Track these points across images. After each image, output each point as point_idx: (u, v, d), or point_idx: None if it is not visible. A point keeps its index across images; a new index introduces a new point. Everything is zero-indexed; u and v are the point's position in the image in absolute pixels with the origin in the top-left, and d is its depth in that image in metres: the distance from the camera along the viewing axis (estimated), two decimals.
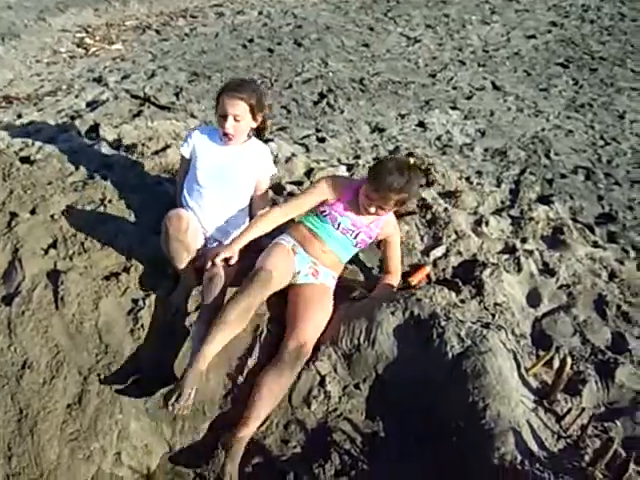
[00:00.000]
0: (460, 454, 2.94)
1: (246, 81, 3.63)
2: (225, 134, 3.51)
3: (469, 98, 6.76)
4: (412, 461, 3.07)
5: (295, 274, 3.47)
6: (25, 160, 4.47)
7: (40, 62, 6.94)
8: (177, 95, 5.95)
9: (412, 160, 3.44)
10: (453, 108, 6.43)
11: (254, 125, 3.61)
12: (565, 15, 10.62)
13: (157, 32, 8.11)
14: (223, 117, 3.44)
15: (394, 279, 3.67)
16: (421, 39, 8.59)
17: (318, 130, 5.54)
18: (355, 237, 3.48)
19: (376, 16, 9.55)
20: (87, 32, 7.87)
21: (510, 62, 8.05)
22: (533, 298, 3.81)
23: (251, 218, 3.72)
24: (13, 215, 3.84)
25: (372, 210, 3.37)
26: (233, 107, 3.42)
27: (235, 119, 3.46)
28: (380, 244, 3.74)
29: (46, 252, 3.64)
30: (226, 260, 3.32)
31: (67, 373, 3.29)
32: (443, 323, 3.18)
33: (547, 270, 3.96)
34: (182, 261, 3.43)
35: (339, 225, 3.45)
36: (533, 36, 9.24)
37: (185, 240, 3.36)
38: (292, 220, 3.60)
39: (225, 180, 3.57)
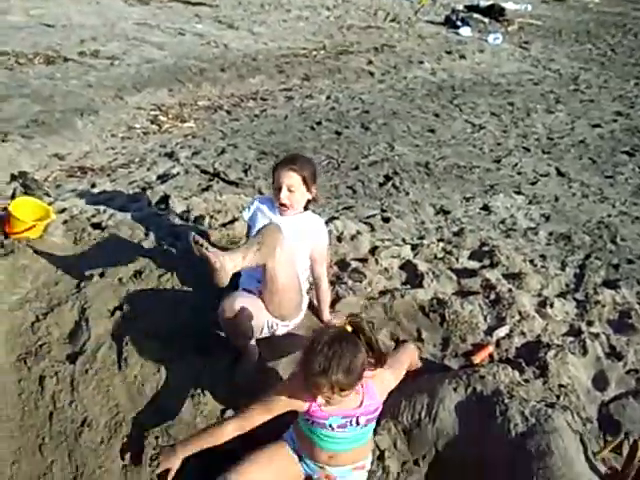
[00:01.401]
0: None
1: (299, 155, 3.85)
2: (281, 204, 3.61)
3: (533, 184, 6.80)
4: None
5: (303, 474, 3.05)
6: (97, 226, 4.68)
7: (115, 137, 7.30)
8: (245, 172, 6.16)
9: (349, 327, 2.74)
10: (517, 193, 6.47)
11: (309, 196, 3.71)
12: (630, 105, 10.66)
13: (228, 112, 8.45)
14: (278, 189, 3.58)
15: None
16: (486, 126, 8.72)
17: (383, 210, 5.64)
18: (357, 424, 2.85)
19: (442, 103, 9.75)
20: (161, 110, 8.25)
21: (575, 150, 8.09)
22: (599, 382, 3.74)
23: (313, 288, 3.88)
24: (83, 277, 3.99)
25: (322, 402, 2.76)
26: (287, 178, 3.55)
27: (289, 189, 3.57)
28: None
29: (112, 314, 3.76)
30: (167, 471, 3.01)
31: (125, 434, 3.35)
32: (506, 401, 3.15)
33: (614, 354, 3.90)
34: (240, 341, 3.50)
35: (331, 426, 2.83)
36: (598, 125, 9.28)
37: (241, 325, 3.41)
38: None
39: None
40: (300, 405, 2.82)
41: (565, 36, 17.28)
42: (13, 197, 5.35)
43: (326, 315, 3.87)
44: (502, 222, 5.75)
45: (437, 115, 9.12)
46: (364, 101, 9.50)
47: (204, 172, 5.97)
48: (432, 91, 10.56)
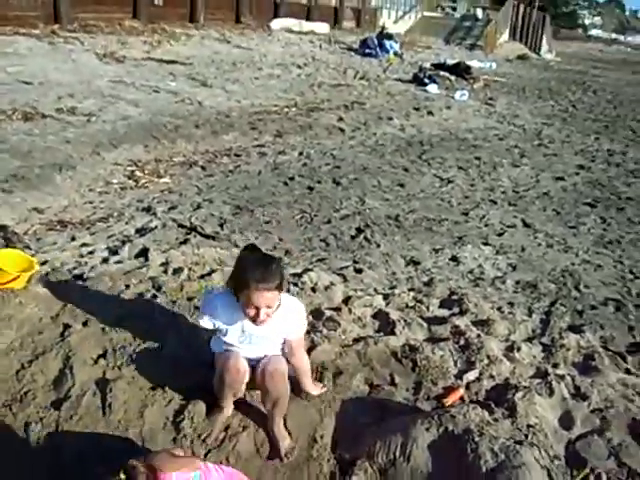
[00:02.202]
0: None
1: (272, 265, 3.30)
2: (259, 322, 3.33)
3: (500, 235, 7.03)
4: None
5: None
6: (78, 277, 4.80)
7: (93, 191, 7.44)
8: (221, 226, 6.32)
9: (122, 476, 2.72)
10: (485, 244, 6.70)
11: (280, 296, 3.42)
12: (592, 159, 11.08)
13: (203, 168, 8.66)
14: (255, 309, 3.26)
15: None
16: (454, 180, 9.01)
17: (355, 262, 5.81)
18: None
19: (411, 158, 10.06)
20: (137, 166, 8.43)
21: (540, 202, 8.39)
22: (566, 421, 3.86)
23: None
24: (66, 326, 4.11)
25: None
26: (265, 300, 3.24)
27: (268, 307, 3.28)
28: None
29: (96, 361, 3.88)
30: None
31: None
32: (477, 438, 3.30)
33: (579, 394, 4.04)
34: (226, 400, 3.60)
35: None
36: (561, 178, 9.64)
37: (239, 389, 3.54)
38: None
39: (256, 345, 3.54)
40: None
41: (528, 93, 17.91)
42: None
43: (310, 386, 3.77)
44: (470, 272, 5.94)
45: (406, 170, 9.41)
46: (335, 157, 9.77)
47: (181, 226, 6.13)
48: (401, 146, 10.89)
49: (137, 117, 10.60)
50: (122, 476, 2.67)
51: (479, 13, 42.38)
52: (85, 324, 4.13)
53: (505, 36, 39.48)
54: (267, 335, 3.49)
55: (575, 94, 18.75)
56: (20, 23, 16.31)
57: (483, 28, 36.94)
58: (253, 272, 3.22)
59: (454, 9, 49.39)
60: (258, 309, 3.25)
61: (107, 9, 19.37)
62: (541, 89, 18.76)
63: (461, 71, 18.96)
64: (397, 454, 3.41)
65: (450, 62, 20.15)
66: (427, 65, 19.66)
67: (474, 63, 21.66)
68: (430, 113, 13.72)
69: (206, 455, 3.51)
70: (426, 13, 43.72)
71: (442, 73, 18.53)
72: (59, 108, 10.59)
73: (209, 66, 16.14)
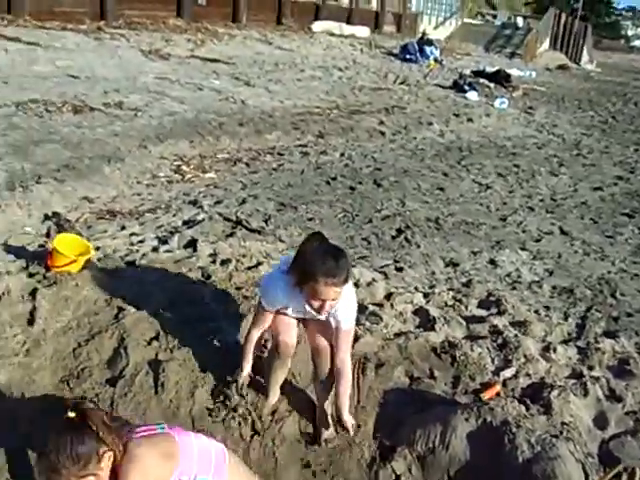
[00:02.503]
0: None
1: (341, 258, 3.22)
2: (324, 312, 3.36)
3: (538, 241, 7.13)
4: None
5: None
6: (130, 264, 5.02)
7: (141, 183, 7.67)
8: (266, 221, 6.50)
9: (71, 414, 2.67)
10: (522, 249, 6.80)
11: None
12: (630, 171, 11.10)
13: (247, 165, 8.86)
14: (322, 301, 3.25)
15: None
16: (492, 186, 9.12)
17: (396, 261, 5.95)
18: None
19: (450, 163, 10.18)
20: (183, 161, 8.65)
21: (577, 210, 8.46)
22: (600, 421, 3.97)
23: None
24: (120, 309, 4.32)
25: None
26: (334, 294, 3.22)
27: (334, 300, 3.27)
28: None
29: (149, 343, 4.07)
30: None
31: None
32: (514, 430, 3.44)
33: (614, 396, 4.14)
34: (273, 384, 3.82)
35: None
36: (599, 188, 9.68)
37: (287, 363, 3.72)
38: None
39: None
40: None
41: (568, 103, 17.89)
42: (48, 235, 5.71)
43: (345, 414, 3.58)
44: (508, 275, 6.05)
45: (446, 174, 9.53)
46: (376, 159, 9.93)
47: (227, 220, 6.31)
48: (441, 151, 11.01)
49: (182, 113, 10.83)
50: (70, 414, 2.63)
51: (520, 21, 42.28)
52: (138, 308, 4.33)
53: (545, 45, 39.28)
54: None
55: (615, 105, 18.71)
56: (68, 19, 16.68)
57: (523, 37, 36.81)
58: (322, 266, 3.14)
59: (494, 17, 49.19)
60: (324, 301, 3.23)
61: (152, 7, 19.68)
62: (581, 99, 18.75)
63: (501, 79, 19.01)
64: (436, 442, 3.56)
65: (490, 70, 20.21)
66: (467, 72, 19.74)
67: (514, 71, 21.68)
68: (469, 120, 13.82)
69: (252, 437, 3.71)
70: (466, 20, 43.70)
71: (482, 80, 18.60)
72: (106, 102, 10.84)
73: (252, 66, 16.37)
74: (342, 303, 3.39)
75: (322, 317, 3.47)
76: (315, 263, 3.15)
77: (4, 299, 4.22)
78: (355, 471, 3.64)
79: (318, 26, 26.10)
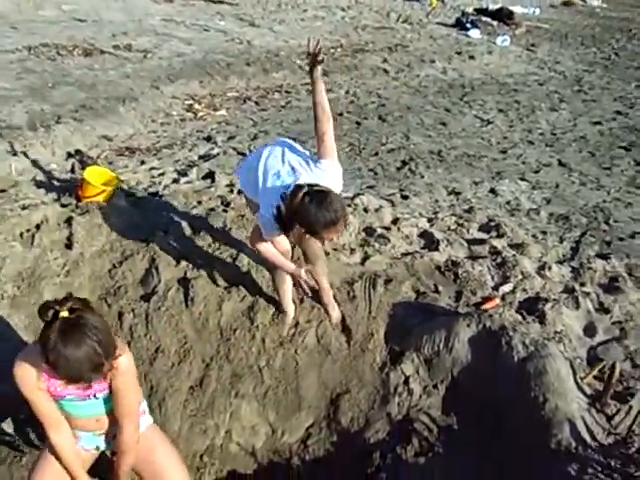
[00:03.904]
0: (522, 441, 3.54)
1: (336, 204, 3.26)
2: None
3: (537, 172, 7.44)
4: (482, 449, 3.66)
5: (93, 450, 3.17)
6: (154, 195, 5.37)
7: (155, 122, 7.98)
8: None
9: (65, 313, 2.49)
10: (522, 179, 7.12)
11: None
12: (630, 106, 11.31)
13: (256, 103, 9.14)
14: (321, 239, 3.49)
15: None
16: (493, 121, 9.39)
17: (402, 190, 6.29)
18: (96, 397, 2.87)
19: (452, 100, 10.43)
20: (194, 100, 8.93)
21: (576, 144, 8.74)
22: (589, 330, 4.34)
23: None
24: (149, 234, 4.69)
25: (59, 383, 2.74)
26: (337, 232, 3.36)
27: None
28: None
29: (178, 263, 4.45)
30: None
31: (192, 360, 4.05)
32: (510, 333, 3.83)
33: (602, 308, 4.50)
34: (287, 299, 4.18)
35: (72, 400, 2.86)
36: (599, 122, 9.93)
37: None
38: None
39: None
40: (37, 384, 2.74)
41: (571, 39, 17.91)
42: (73, 171, 6.06)
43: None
44: (507, 203, 6.39)
45: (448, 110, 9.80)
46: (380, 96, 10.18)
47: (240, 154, 6.64)
48: (443, 88, 11.23)
49: (191, 54, 11.05)
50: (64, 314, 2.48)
51: None
52: (166, 232, 4.70)
53: None
54: None
55: (619, 42, 18.67)
56: None
57: None
58: (322, 222, 3.22)
59: None
60: (323, 240, 3.49)
61: None
62: (584, 36, 18.71)
63: (503, 16, 18.94)
64: (441, 346, 3.95)
65: (493, 7, 20.13)
66: (469, 10, 19.66)
67: (517, 9, 21.56)
68: (472, 57, 13.94)
69: (276, 347, 4.11)
70: None
71: (484, 18, 18.55)
72: (115, 45, 11.07)
73: (255, 7, 16.43)
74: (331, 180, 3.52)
75: None
76: (314, 222, 3.23)
77: (43, 227, 4.59)
78: (368, 374, 4.06)
79: None
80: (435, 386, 3.93)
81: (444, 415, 3.85)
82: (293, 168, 3.55)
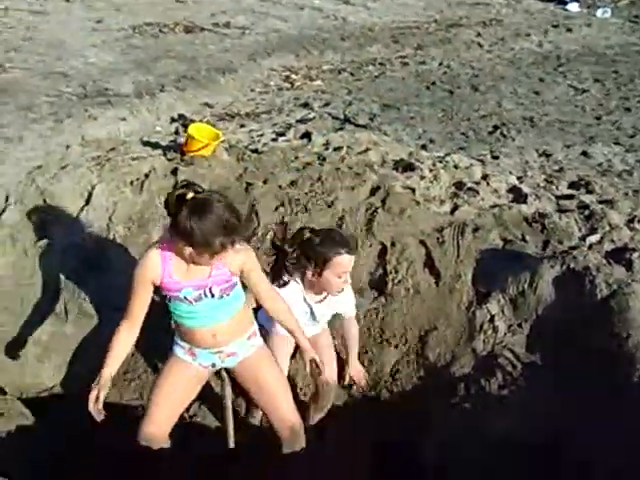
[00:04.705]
0: (605, 377, 3.66)
1: (338, 233, 3.73)
2: (341, 288, 3.65)
3: (632, 137, 7.37)
4: (563, 384, 3.80)
5: (210, 367, 3.37)
6: (254, 151, 5.67)
7: (254, 91, 8.33)
8: (371, 119, 7.06)
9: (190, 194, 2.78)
10: (616, 143, 7.07)
11: None
12: None
13: (351, 74, 9.37)
14: (339, 276, 3.53)
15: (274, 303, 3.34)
16: (589, 89, 9.29)
17: (492, 151, 6.39)
18: (212, 295, 3.07)
19: (547, 70, 10.36)
20: (290, 71, 9.25)
21: None
22: None
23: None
24: (249, 184, 4.99)
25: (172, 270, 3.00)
26: (351, 262, 3.55)
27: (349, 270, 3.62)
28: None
29: (276, 209, 4.74)
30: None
31: None
32: (594, 273, 3.94)
33: None
34: None
35: (187, 299, 3.05)
36: None
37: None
38: None
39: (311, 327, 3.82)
40: (156, 276, 2.99)
41: None
42: (177, 134, 6.44)
43: (355, 362, 4.09)
44: (599, 165, 6.40)
45: (542, 80, 9.75)
46: (473, 67, 10.22)
47: (336, 118, 6.90)
48: (538, 60, 11.15)
49: (286, 30, 11.36)
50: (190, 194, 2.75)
51: None
52: (265, 182, 5.00)
53: None
54: (326, 313, 3.83)
55: None
56: None
57: None
58: (331, 247, 3.45)
59: None
60: (341, 276, 3.53)
61: None
62: None
63: None
64: (525, 287, 4.11)
65: None
66: None
67: None
68: (569, 30, 13.70)
69: None
70: None
71: None
72: (215, 23, 11.48)
73: None
74: (344, 297, 3.79)
75: (323, 312, 3.80)
76: (323, 249, 3.46)
77: (152, 175, 4.97)
78: (455, 312, 4.26)
79: None
80: (519, 325, 4.09)
81: (528, 352, 4.00)
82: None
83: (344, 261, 3.47)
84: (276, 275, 3.59)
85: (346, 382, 4.08)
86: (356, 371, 4.07)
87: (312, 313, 3.74)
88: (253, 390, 3.39)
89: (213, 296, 3.05)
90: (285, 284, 3.58)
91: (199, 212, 2.67)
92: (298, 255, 3.51)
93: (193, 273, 2.98)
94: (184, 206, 2.69)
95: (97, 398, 2.97)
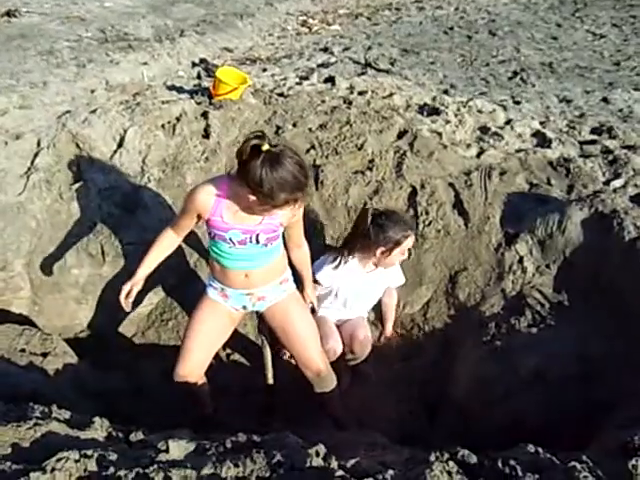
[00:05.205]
0: (632, 318, 3.77)
1: (401, 215, 3.99)
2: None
3: None
4: (592, 324, 3.91)
5: (241, 310, 3.49)
6: (280, 95, 5.72)
7: (272, 36, 8.34)
8: (392, 64, 7.08)
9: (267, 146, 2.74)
10: (635, 89, 7.09)
11: None
12: None
13: (368, 19, 9.36)
14: (402, 252, 3.87)
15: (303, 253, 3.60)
16: (607, 35, 9.27)
17: (513, 97, 6.44)
18: (257, 242, 3.13)
19: (564, 15, 10.31)
20: (307, 16, 9.23)
21: None
22: None
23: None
24: (278, 127, 5.05)
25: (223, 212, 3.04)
26: (413, 239, 3.93)
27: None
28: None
29: (307, 151, 4.81)
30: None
31: (321, 238, 4.44)
32: (622, 216, 4.03)
33: None
34: None
35: (232, 240, 3.10)
36: None
37: None
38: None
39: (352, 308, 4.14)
40: (210, 207, 3.03)
41: None
42: (199, 78, 6.47)
43: (389, 328, 4.39)
44: (620, 110, 6.43)
45: (559, 25, 9.72)
46: (490, 12, 10.19)
47: (357, 63, 6.92)
48: (554, 5, 11.09)
49: None
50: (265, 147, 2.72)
51: None
52: (294, 125, 5.06)
53: None
54: (375, 284, 4.07)
55: None
56: None
57: None
58: (399, 231, 3.77)
59: None
60: (404, 252, 3.89)
61: None
62: None
63: None
64: (554, 228, 4.20)
65: None
66: None
67: None
68: None
69: None
70: None
71: None
72: None
73: None
74: (392, 269, 4.08)
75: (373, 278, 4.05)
76: (395, 234, 3.76)
77: (183, 118, 5.02)
78: (484, 254, 4.37)
79: None
80: (548, 266, 4.19)
81: (556, 292, 4.12)
82: None
83: (411, 241, 3.84)
84: (348, 251, 3.89)
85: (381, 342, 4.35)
86: (390, 336, 4.36)
87: (358, 289, 4.00)
88: (282, 334, 3.48)
89: (258, 243, 3.11)
90: (346, 262, 3.87)
91: (272, 164, 2.70)
92: (370, 238, 3.76)
93: (244, 217, 3.03)
94: (258, 156, 2.72)
95: (129, 293, 3.22)
